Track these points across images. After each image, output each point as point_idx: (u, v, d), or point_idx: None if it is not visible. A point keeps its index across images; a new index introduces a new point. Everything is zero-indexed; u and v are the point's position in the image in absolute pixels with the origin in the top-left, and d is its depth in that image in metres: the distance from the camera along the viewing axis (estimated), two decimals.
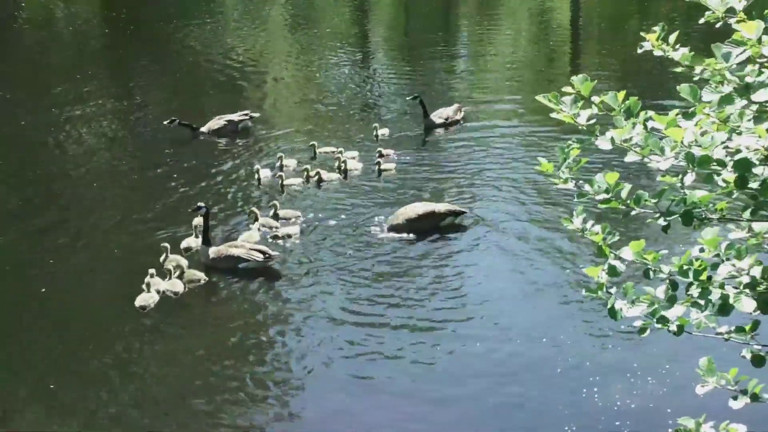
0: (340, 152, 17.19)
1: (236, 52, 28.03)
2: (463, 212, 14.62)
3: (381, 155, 17.22)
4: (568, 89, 4.32)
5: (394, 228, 14.35)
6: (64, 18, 36.10)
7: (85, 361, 11.20)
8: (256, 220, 14.56)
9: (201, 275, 13.04)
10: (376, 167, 16.91)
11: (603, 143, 4.16)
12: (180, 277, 12.87)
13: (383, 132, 18.76)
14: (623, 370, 10.45)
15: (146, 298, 12.28)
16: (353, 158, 17.13)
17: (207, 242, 13.50)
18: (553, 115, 4.33)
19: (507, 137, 19.02)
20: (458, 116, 19.76)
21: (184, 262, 13.24)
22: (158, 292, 12.44)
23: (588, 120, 4.23)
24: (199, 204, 13.82)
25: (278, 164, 16.84)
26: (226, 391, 10.51)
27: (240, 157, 18.18)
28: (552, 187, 15.39)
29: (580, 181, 4.59)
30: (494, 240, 14.15)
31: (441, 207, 14.53)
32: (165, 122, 19.18)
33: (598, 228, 4.74)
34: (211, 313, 12.60)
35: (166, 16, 34.97)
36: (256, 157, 18.10)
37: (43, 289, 12.89)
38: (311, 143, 18.04)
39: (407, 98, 20.32)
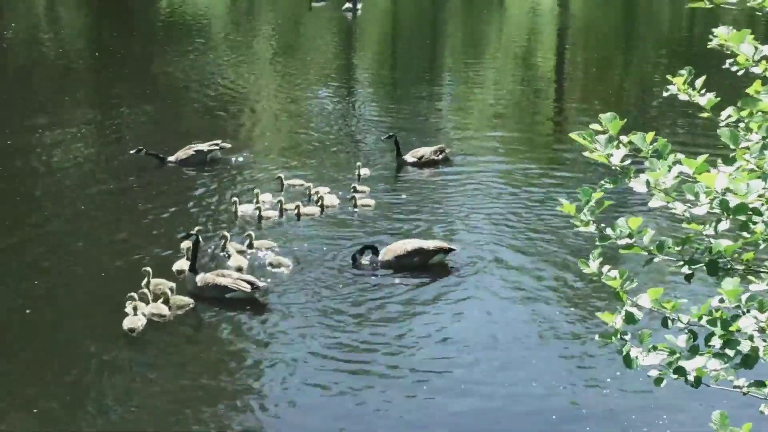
0: (310, 187, 16.90)
1: (221, 81, 27.84)
2: (452, 249, 14.34)
3: (356, 191, 16.91)
4: (596, 126, 4.19)
5: (381, 264, 14.15)
6: (51, 40, 35.88)
7: (64, 385, 10.87)
8: (226, 244, 14.37)
9: (189, 300, 12.80)
10: (352, 203, 16.58)
11: (638, 186, 4.02)
12: (165, 301, 12.60)
13: (365, 172, 18.42)
14: (627, 424, 10.13)
15: (134, 321, 11.96)
16: (327, 193, 16.78)
17: (194, 270, 13.19)
18: (586, 153, 4.19)
19: (489, 175, 18.82)
20: (436, 156, 19.38)
21: (170, 286, 12.97)
22: (144, 315, 12.16)
23: (622, 161, 4.09)
24: (191, 231, 13.63)
25: (255, 199, 16.43)
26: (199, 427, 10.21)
27: (211, 188, 17.77)
28: (539, 224, 15.67)
29: (602, 225, 4.44)
30: (485, 280, 13.85)
31: (430, 244, 14.21)
32: (131, 151, 18.77)
33: (615, 273, 4.58)
34: (193, 343, 12.26)
35: (155, 42, 34.93)
36: (227, 188, 17.71)
37: (28, 311, 12.51)
38: (278, 175, 17.77)
39: (382, 138, 20.15)
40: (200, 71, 29.42)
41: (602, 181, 4.19)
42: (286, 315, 12.68)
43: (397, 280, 13.82)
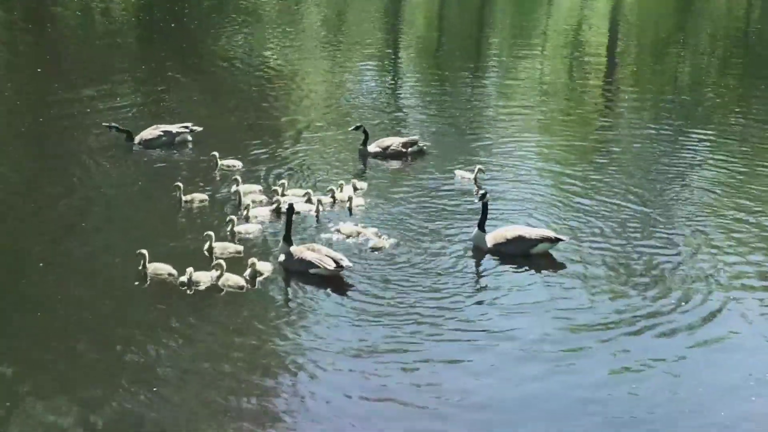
0: (284, 184, 14.74)
1: (257, 60, 26.25)
2: (560, 240, 12.68)
3: (355, 189, 14.91)
4: None
5: (480, 250, 12.74)
6: (99, 14, 35.03)
7: (104, 352, 10.04)
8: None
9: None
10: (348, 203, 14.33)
11: None
12: (253, 272, 11.74)
13: (464, 174, 16.01)
14: None
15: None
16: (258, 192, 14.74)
17: (288, 240, 12.23)
18: None
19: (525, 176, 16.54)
20: (404, 149, 17.07)
21: (237, 249, 12.36)
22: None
23: None
24: (289, 202, 12.83)
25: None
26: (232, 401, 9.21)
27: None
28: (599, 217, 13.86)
29: None
30: (584, 279, 12.09)
31: (533, 232, 12.76)
32: (104, 124, 17.24)
33: None
34: (254, 316, 11.01)
35: (202, 21, 33.90)
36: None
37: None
38: (212, 153, 15.95)
39: (349, 129, 17.75)
40: (240, 50, 27.89)
41: None
42: (364, 299, 11.34)
43: (489, 270, 12.33)
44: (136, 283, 11.48)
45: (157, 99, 21.53)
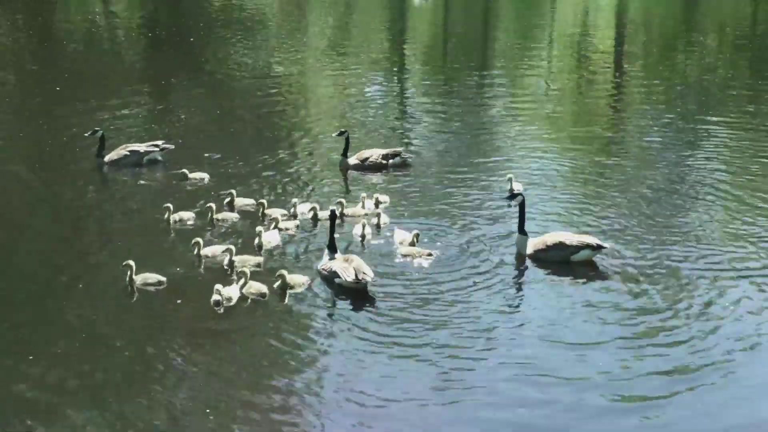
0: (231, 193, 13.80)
1: (260, 73, 25.02)
2: (603, 247, 11.73)
3: (377, 203, 13.68)
4: None
5: (522, 257, 11.97)
6: (106, 33, 33.90)
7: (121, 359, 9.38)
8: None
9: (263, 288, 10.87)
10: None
11: None
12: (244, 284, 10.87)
13: (517, 186, 14.37)
14: None
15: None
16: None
17: (332, 248, 11.48)
18: None
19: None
20: (385, 160, 15.94)
21: (256, 262, 11.64)
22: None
23: None
24: (332, 208, 12.07)
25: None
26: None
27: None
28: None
29: None
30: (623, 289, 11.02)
31: (574, 239, 11.83)
32: (86, 134, 16.43)
33: None
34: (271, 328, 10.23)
35: (203, 32, 32.91)
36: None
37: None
38: (182, 170, 15.10)
39: (333, 134, 16.69)
40: (242, 62, 26.79)
41: None
42: (388, 314, 10.43)
43: (529, 278, 11.46)
44: (131, 299, 10.80)
45: (156, 114, 20.40)
